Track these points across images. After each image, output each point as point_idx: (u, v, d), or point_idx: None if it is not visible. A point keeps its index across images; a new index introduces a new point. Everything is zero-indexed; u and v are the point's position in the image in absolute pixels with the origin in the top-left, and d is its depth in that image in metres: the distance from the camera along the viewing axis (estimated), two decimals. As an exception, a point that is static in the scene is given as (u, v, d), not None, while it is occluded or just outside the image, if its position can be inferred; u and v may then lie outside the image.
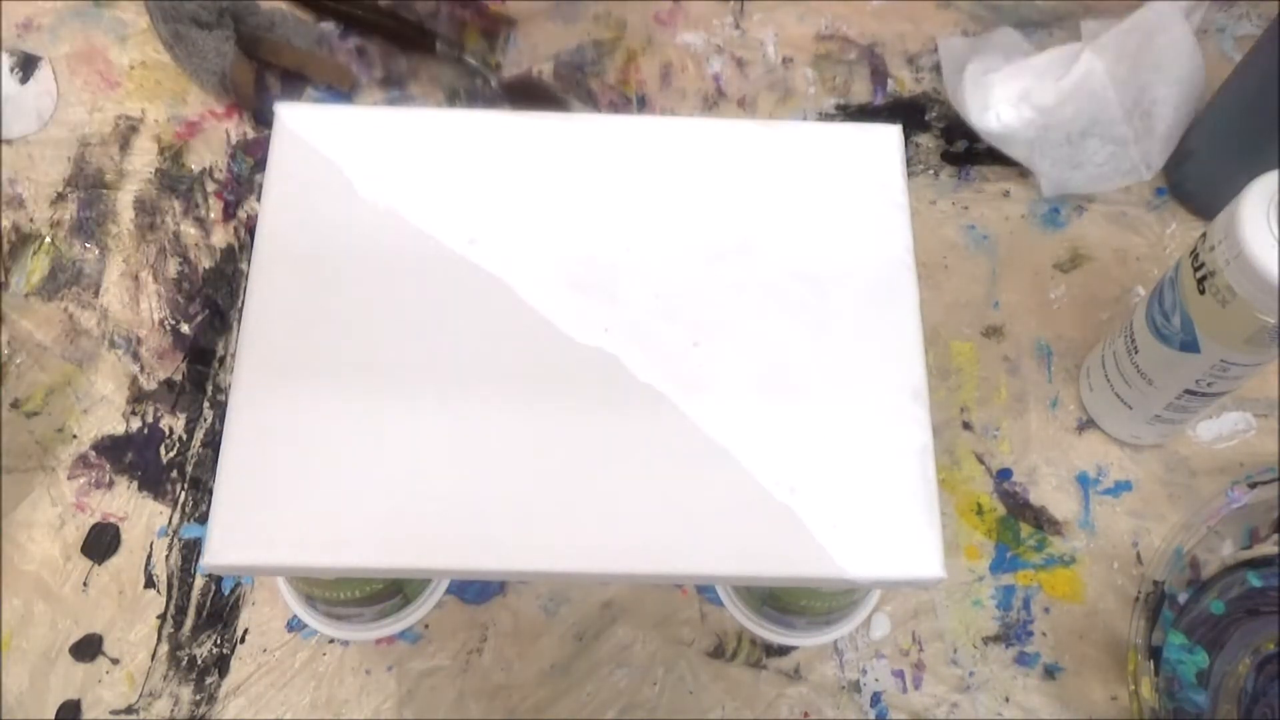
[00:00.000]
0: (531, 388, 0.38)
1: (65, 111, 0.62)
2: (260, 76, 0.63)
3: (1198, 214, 0.60)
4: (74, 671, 0.50)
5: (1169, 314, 0.47)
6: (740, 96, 0.64)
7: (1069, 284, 0.59)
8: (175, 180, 0.61)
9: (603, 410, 0.38)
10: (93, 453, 0.54)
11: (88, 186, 0.60)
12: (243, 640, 0.51)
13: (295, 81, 0.63)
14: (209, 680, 0.50)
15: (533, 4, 0.66)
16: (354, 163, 0.41)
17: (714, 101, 0.64)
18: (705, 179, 0.42)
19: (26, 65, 0.63)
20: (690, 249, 0.41)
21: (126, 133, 0.62)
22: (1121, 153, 0.60)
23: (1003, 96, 0.60)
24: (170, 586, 0.52)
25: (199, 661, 0.50)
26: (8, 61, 0.63)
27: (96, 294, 0.58)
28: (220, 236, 0.59)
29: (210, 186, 0.61)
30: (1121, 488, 0.55)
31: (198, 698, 0.50)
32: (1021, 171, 0.61)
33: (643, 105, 0.64)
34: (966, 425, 0.56)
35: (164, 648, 0.51)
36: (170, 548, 0.52)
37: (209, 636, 0.51)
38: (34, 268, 0.58)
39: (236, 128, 0.62)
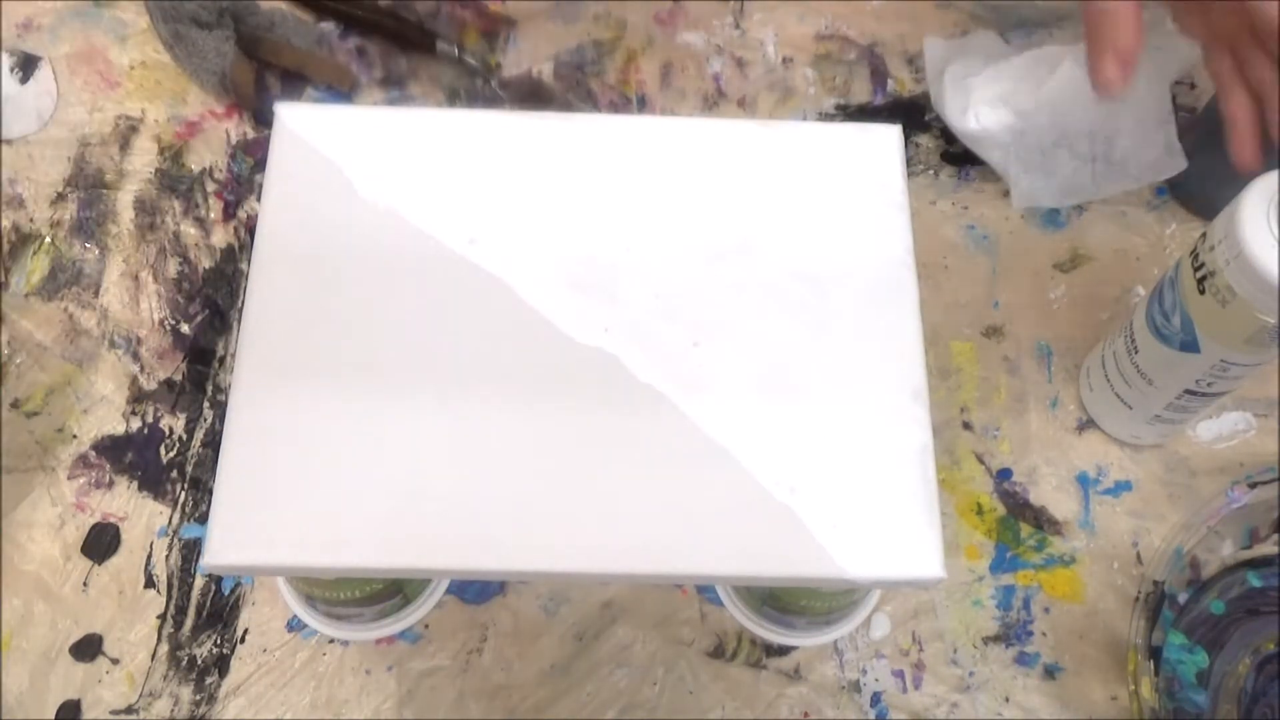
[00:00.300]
0: (531, 388, 0.38)
1: (65, 111, 0.62)
2: (260, 76, 0.63)
3: (1198, 214, 0.60)
4: (74, 671, 0.50)
5: (1169, 314, 0.47)
6: (740, 96, 0.64)
7: (1069, 284, 0.59)
8: (175, 180, 0.61)
9: (603, 410, 0.38)
10: (93, 453, 0.54)
11: (88, 186, 0.60)
12: (243, 640, 0.51)
13: (295, 81, 0.63)
14: (209, 680, 0.50)
15: (533, 4, 0.66)
16: (354, 163, 0.41)
17: (714, 101, 0.64)
18: (705, 179, 0.42)
19: (26, 65, 0.63)
20: (690, 249, 0.41)
21: (126, 133, 0.62)
22: (1084, 168, 0.59)
23: (982, 99, 0.59)
24: (170, 586, 0.52)
25: (199, 661, 0.50)
26: (8, 61, 0.63)
27: (96, 294, 0.58)
28: (220, 236, 0.59)
29: (210, 186, 0.61)
30: (1121, 488, 0.55)
31: (198, 698, 0.50)
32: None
33: (643, 105, 0.64)
34: (966, 425, 0.56)
35: (164, 648, 0.51)
36: (170, 548, 0.52)
37: (209, 636, 0.51)
38: (34, 268, 0.58)
39: (236, 128, 0.62)
